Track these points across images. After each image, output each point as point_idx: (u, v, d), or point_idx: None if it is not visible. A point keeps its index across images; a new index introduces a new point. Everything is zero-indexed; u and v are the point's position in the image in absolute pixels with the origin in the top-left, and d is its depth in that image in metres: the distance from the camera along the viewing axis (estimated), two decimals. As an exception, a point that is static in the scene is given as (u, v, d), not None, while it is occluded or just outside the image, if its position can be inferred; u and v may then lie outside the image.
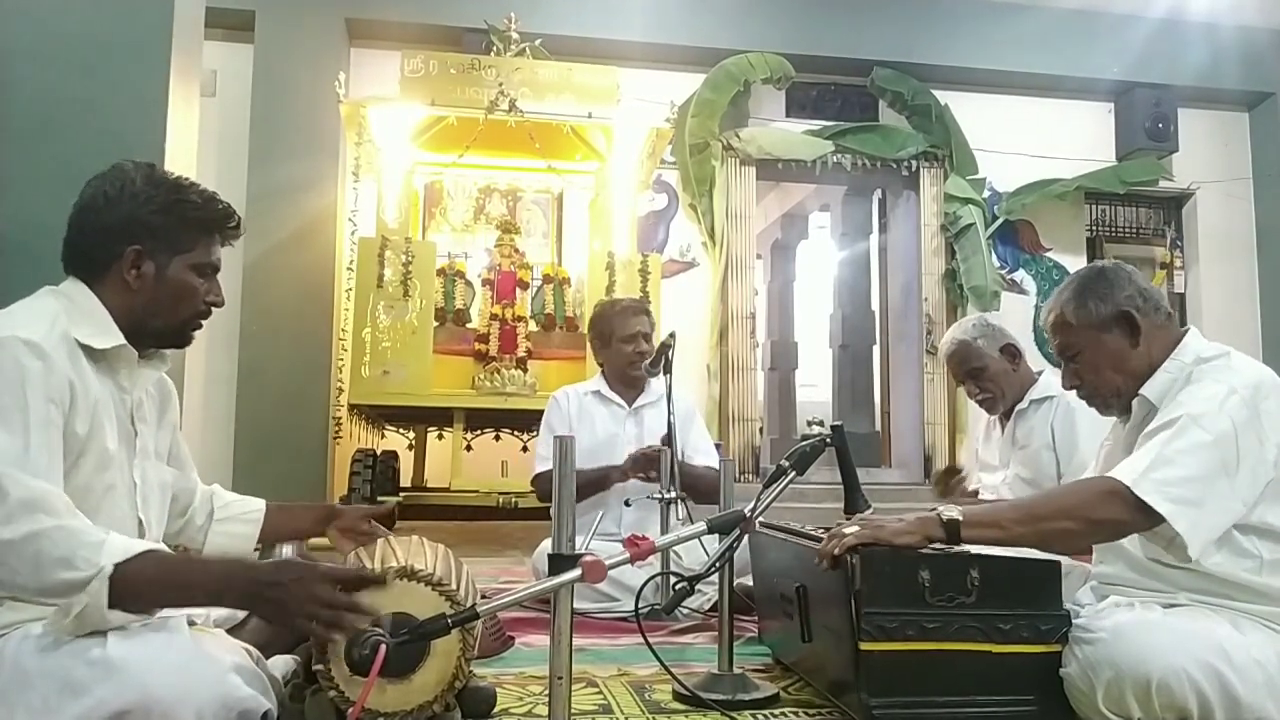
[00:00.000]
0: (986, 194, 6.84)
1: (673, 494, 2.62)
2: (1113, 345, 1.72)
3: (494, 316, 4.99)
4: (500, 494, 4.77)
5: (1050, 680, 1.55)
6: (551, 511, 1.49)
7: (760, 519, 1.62)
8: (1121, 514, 1.54)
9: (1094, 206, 7.29)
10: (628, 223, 5.40)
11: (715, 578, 1.85)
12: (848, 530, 1.60)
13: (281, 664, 1.53)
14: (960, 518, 1.58)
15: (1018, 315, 6.58)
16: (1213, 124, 7.27)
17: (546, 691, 1.61)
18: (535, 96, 5.18)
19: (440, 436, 5.40)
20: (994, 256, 6.82)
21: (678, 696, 1.82)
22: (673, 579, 2.32)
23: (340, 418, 5.10)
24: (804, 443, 1.66)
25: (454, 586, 1.46)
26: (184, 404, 2.70)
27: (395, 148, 5.17)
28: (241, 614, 1.58)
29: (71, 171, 1.54)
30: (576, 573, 1.34)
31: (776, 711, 1.76)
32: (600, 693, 1.87)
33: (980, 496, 2.93)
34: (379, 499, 4.83)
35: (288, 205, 5.75)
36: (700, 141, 6.40)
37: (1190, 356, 1.68)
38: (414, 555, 1.51)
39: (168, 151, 2.75)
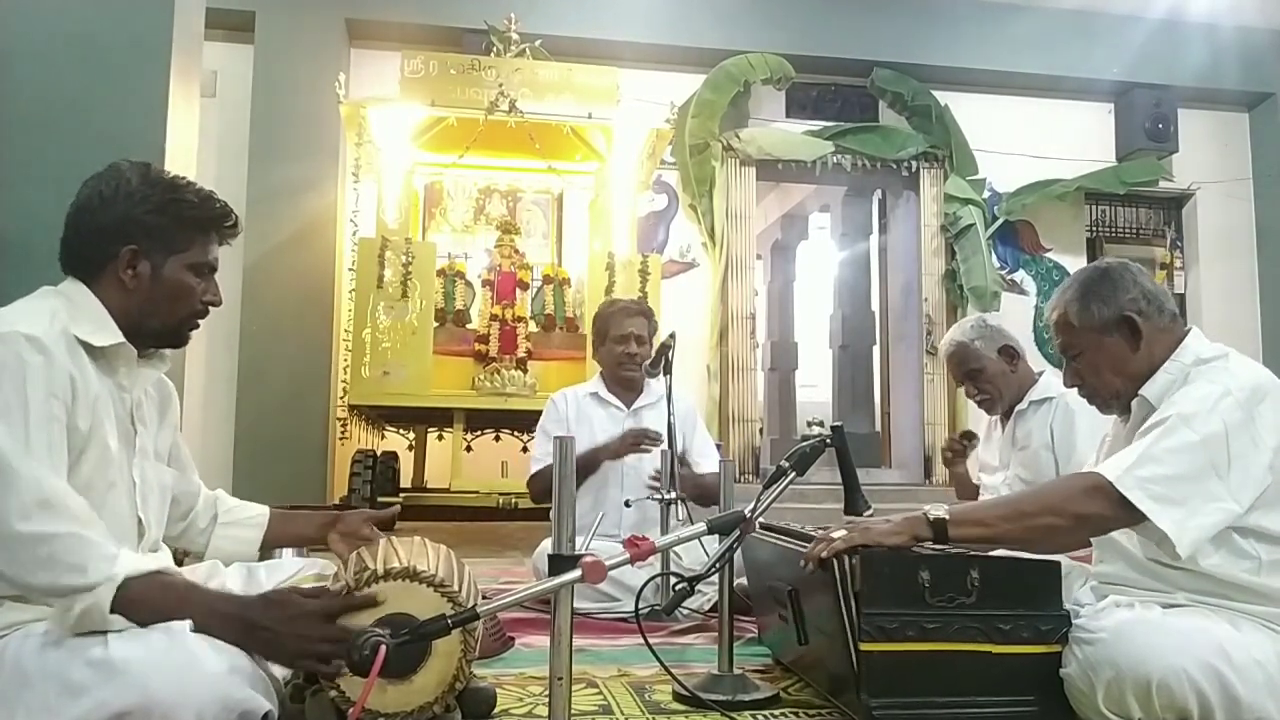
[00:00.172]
0: (986, 194, 6.85)
1: (673, 494, 2.62)
2: (1113, 348, 1.71)
3: (494, 317, 4.99)
4: (500, 494, 4.78)
5: (1050, 680, 1.55)
6: (551, 512, 1.49)
7: (760, 519, 1.62)
8: (1104, 509, 1.54)
9: (1094, 207, 7.30)
10: (628, 223, 5.41)
11: (715, 578, 1.85)
12: (836, 534, 1.60)
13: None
14: (947, 516, 1.59)
15: (1018, 316, 6.59)
16: (1213, 124, 7.28)
17: (546, 692, 1.61)
18: (535, 97, 5.19)
19: (440, 437, 5.40)
20: (994, 257, 6.82)
21: (678, 697, 1.82)
22: (673, 579, 2.32)
23: (345, 419, 5.10)
24: (804, 443, 1.66)
25: (456, 587, 1.46)
26: (184, 404, 2.69)
27: (395, 148, 5.17)
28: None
29: (71, 171, 1.54)
30: (576, 573, 1.34)
31: (776, 712, 1.75)
32: (600, 693, 1.86)
33: (981, 496, 2.93)
34: (379, 500, 4.84)
35: (288, 206, 5.76)
36: (700, 142, 6.41)
37: (1190, 357, 1.68)
38: (416, 556, 1.51)
39: (168, 152, 2.75)
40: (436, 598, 1.44)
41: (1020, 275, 7.03)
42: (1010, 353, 2.86)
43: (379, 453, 5.20)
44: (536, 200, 6.14)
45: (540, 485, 3.04)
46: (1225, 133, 7.32)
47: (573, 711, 1.51)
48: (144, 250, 1.48)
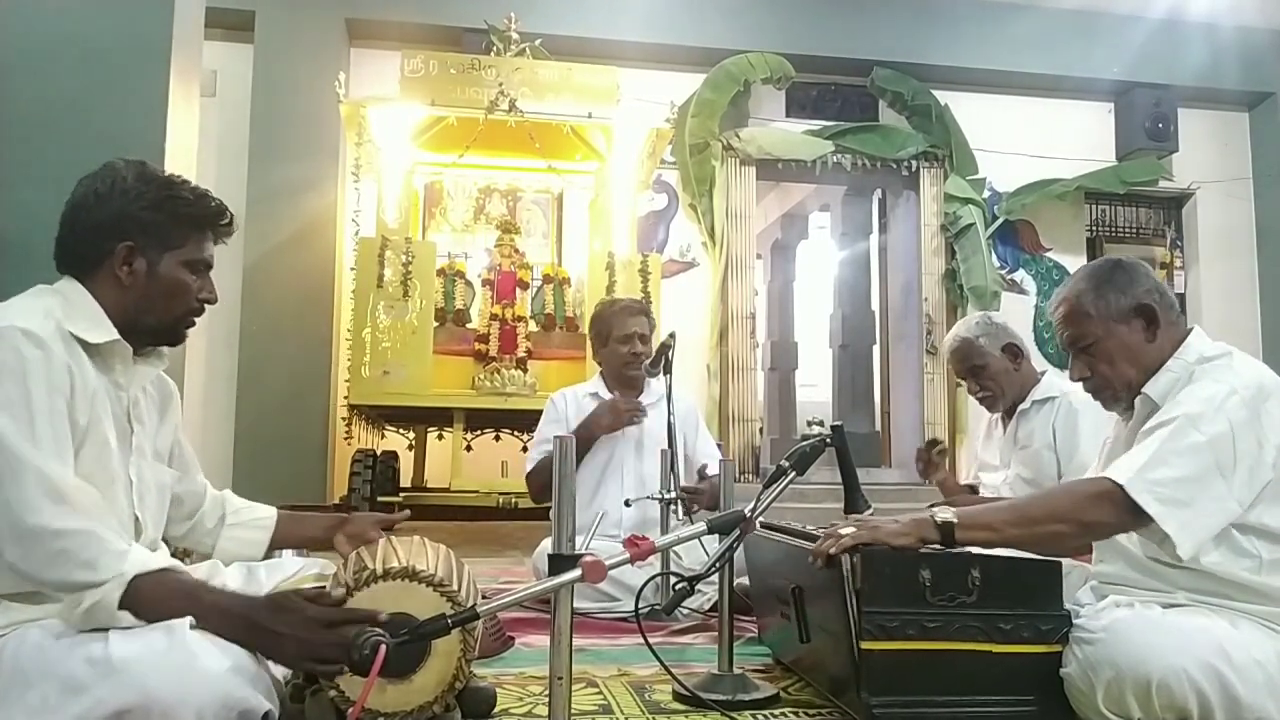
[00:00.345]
0: (986, 194, 6.85)
1: (673, 494, 2.62)
2: (1129, 338, 1.71)
3: (494, 316, 4.99)
4: (500, 494, 4.78)
5: (1050, 680, 1.55)
6: (551, 512, 1.49)
7: (760, 519, 1.62)
8: (1112, 515, 1.54)
9: (1094, 206, 7.29)
10: (628, 223, 5.41)
11: (715, 578, 1.85)
12: (844, 531, 1.60)
13: (282, 664, 1.53)
14: (955, 519, 1.58)
15: (1018, 315, 6.58)
16: (1213, 124, 7.27)
17: (546, 691, 1.61)
18: (535, 96, 5.19)
19: (440, 437, 5.40)
20: (994, 256, 6.82)
21: (678, 697, 1.82)
22: (673, 579, 2.32)
23: (348, 418, 5.10)
24: (804, 443, 1.66)
25: (455, 587, 1.46)
26: (184, 404, 2.69)
27: (395, 148, 5.17)
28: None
29: (72, 171, 1.54)
30: (576, 573, 1.34)
31: (776, 712, 1.75)
32: (600, 693, 1.86)
33: (981, 495, 2.93)
34: (379, 499, 4.84)
35: (288, 205, 5.76)
36: (700, 141, 6.40)
37: (1193, 356, 1.67)
38: (415, 556, 1.51)
39: (168, 152, 2.75)
40: (436, 597, 1.44)
41: (1020, 275, 7.02)
42: (1014, 351, 2.86)
43: (379, 452, 5.19)
44: (536, 200, 6.14)
45: (539, 481, 3.03)
46: (1225, 132, 7.32)
47: (573, 711, 1.51)
48: (140, 247, 1.48)
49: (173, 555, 1.68)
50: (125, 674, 1.22)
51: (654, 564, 2.58)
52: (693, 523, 2.29)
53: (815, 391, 8.34)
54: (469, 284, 5.28)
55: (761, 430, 7.05)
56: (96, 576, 1.26)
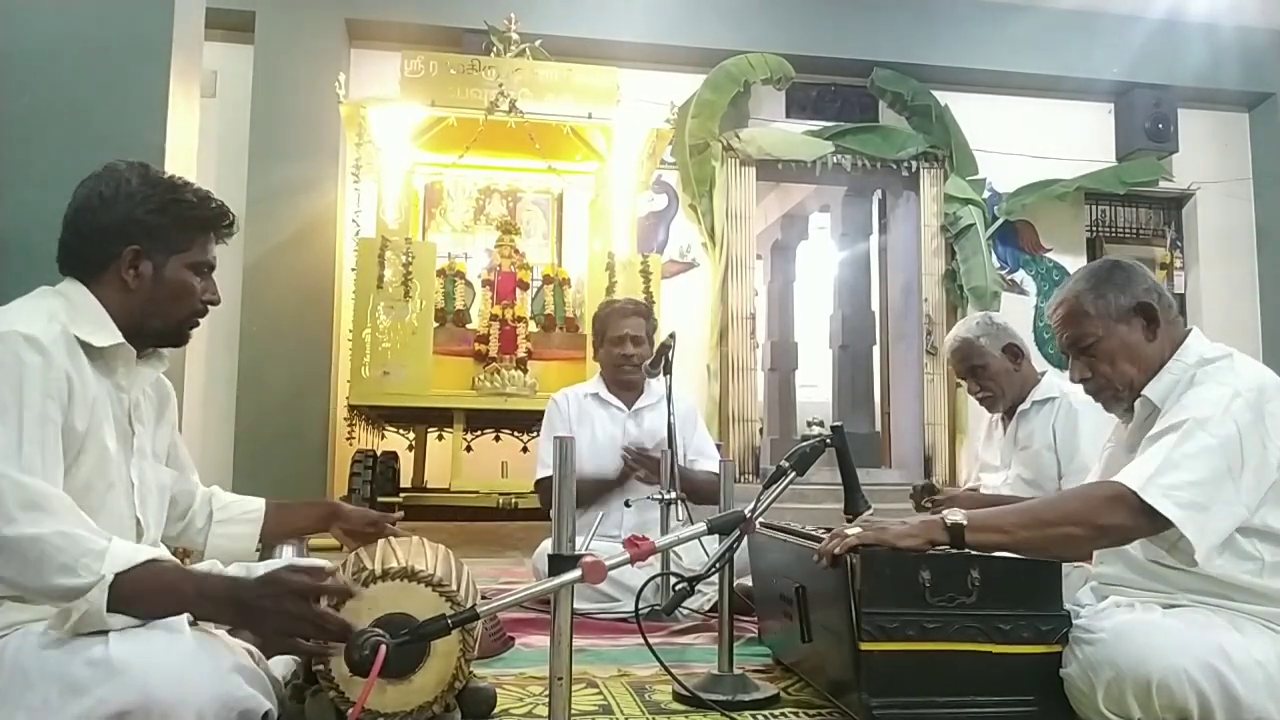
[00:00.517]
0: (986, 194, 6.85)
1: (673, 494, 2.62)
2: (1129, 337, 1.71)
3: (494, 317, 4.99)
4: (500, 495, 4.77)
5: (1050, 680, 1.55)
6: (551, 512, 1.49)
7: (760, 519, 1.62)
8: (1127, 519, 1.53)
9: (1094, 207, 7.29)
10: (628, 223, 5.40)
11: (715, 578, 1.85)
12: (850, 531, 1.60)
13: (281, 664, 1.53)
14: (964, 522, 1.58)
15: (1018, 315, 6.58)
16: (1213, 124, 7.27)
17: (546, 692, 1.61)
18: (535, 97, 5.19)
19: (440, 437, 5.40)
20: (994, 257, 6.82)
21: (678, 697, 1.82)
22: (673, 579, 2.32)
23: (348, 419, 5.10)
24: (804, 443, 1.66)
25: (454, 587, 1.46)
26: (184, 404, 2.70)
27: (395, 148, 5.17)
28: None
29: (72, 172, 1.54)
30: (576, 573, 1.34)
31: (776, 712, 1.75)
32: (600, 693, 1.86)
33: (982, 494, 2.93)
34: (379, 500, 4.84)
35: (288, 206, 5.76)
36: (700, 142, 6.40)
37: (1193, 357, 1.67)
38: (414, 556, 1.51)
39: (168, 152, 2.74)
40: (435, 598, 1.44)
41: (1020, 275, 7.02)
42: (1014, 351, 2.86)
43: (379, 453, 5.19)
44: (536, 200, 6.14)
45: (548, 491, 3.03)
46: (1225, 133, 7.32)
47: (573, 711, 1.51)
48: (146, 250, 1.48)
49: (171, 554, 1.69)
50: (125, 674, 1.22)
51: (654, 564, 2.58)
52: (692, 523, 2.29)
53: (815, 392, 8.34)
54: (469, 284, 5.28)
55: (761, 430, 7.05)
56: (76, 580, 1.24)
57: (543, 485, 3.06)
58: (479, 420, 5.18)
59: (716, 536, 1.57)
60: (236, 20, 5.73)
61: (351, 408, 5.00)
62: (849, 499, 1.70)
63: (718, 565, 1.63)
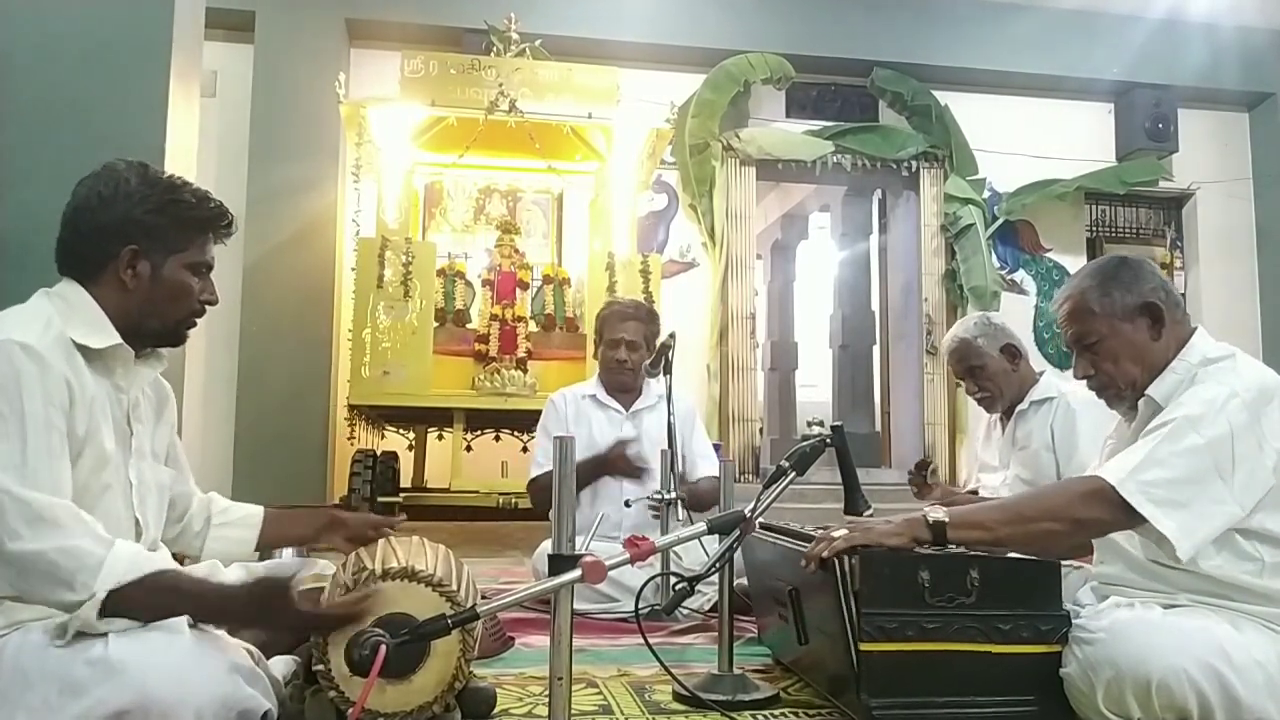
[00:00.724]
0: (986, 194, 6.85)
1: (673, 494, 2.62)
2: (1134, 336, 1.70)
3: (494, 317, 4.99)
4: (500, 494, 4.77)
5: (1050, 680, 1.55)
6: (551, 512, 1.49)
7: (760, 519, 1.62)
8: (1104, 513, 1.54)
9: (1094, 207, 7.29)
10: (628, 223, 5.40)
11: (715, 578, 1.85)
12: (836, 533, 1.60)
13: (281, 664, 1.53)
14: (946, 519, 1.58)
15: (1018, 315, 6.58)
16: (1213, 124, 7.27)
17: (546, 692, 1.61)
18: (535, 97, 5.18)
19: (440, 437, 5.40)
20: (994, 257, 6.82)
21: (678, 697, 1.82)
22: (673, 579, 2.32)
23: (348, 419, 5.10)
24: (804, 443, 1.66)
25: (454, 587, 1.46)
26: (184, 404, 2.70)
27: (395, 148, 5.17)
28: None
29: (72, 171, 1.54)
30: (576, 573, 1.34)
31: (776, 712, 1.75)
32: (600, 693, 1.86)
33: (980, 496, 2.93)
34: (379, 499, 4.84)
35: (288, 206, 5.76)
36: (700, 142, 6.40)
37: (1197, 357, 1.67)
38: (414, 556, 1.51)
39: (168, 152, 2.75)
40: (435, 597, 1.44)
41: (1020, 275, 7.02)
42: (1012, 351, 2.86)
43: (379, 452, 5.19)
44: (536, 200, 6.14)
45: (539, 489, 3.03)
46: (1225, 133, 7.32)
47: (573, 711, 1.51)
48: (144, 250, 1.48)
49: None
50: (125, 674, 1.22)
51: (654, 564, 2.58)
52: (692, 523, 2.29)
53: (815, 391, 8.34)
54: (469, 284, 5.28)
55: (761, 430, 7.05)
56: (70, 596, 1.27)
57: (534, 484, 3.06)
58: (479, 420, 5.18)
59: (716, 536, 1.57)
60: (236, 20, 5.73)
61: (351, 407, 5.00)
62: (849, 499, 1.70)
63: (718, 565, 1.63)
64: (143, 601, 1.29)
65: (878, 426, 7.24)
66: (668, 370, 2.75)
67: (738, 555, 1.76)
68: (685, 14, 6.40)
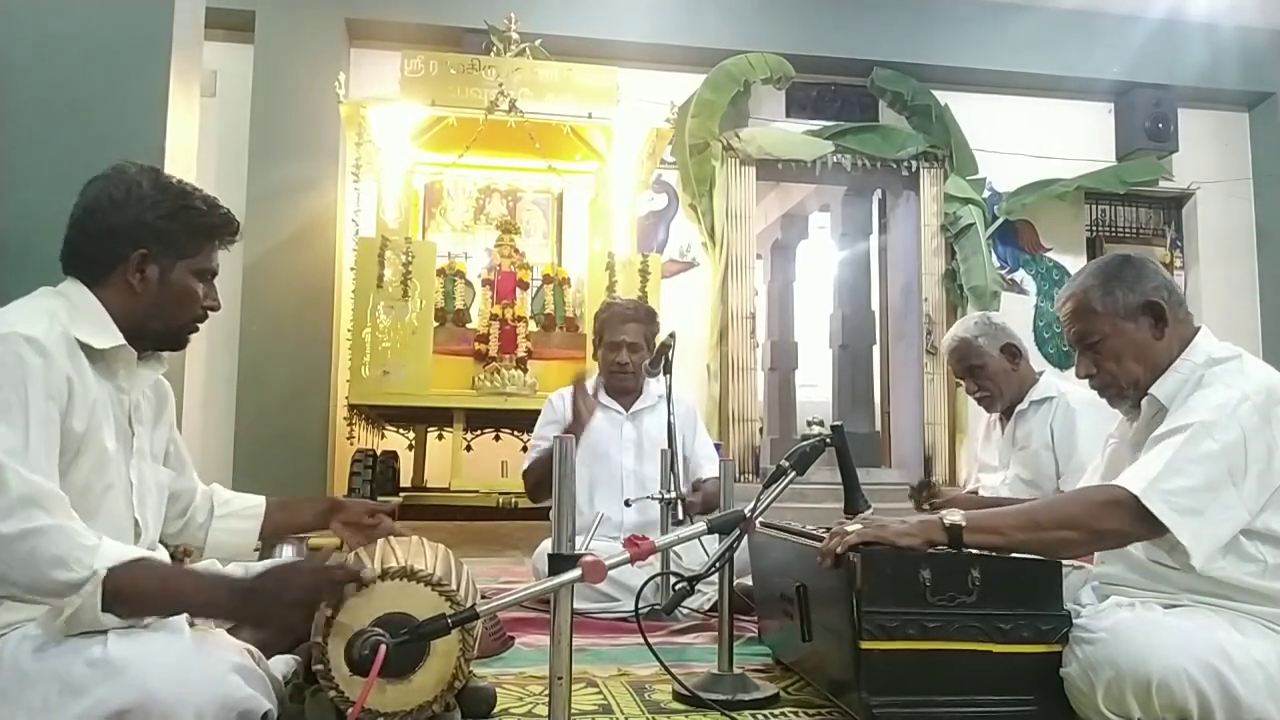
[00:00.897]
0: (986, 194, 6.84)
1: (673, 494, 2.62)
2: (1137, 335, 1.70)
3: (494, 317, 4.99)
4: (500, 494, 4.77)
5: (1050, 680, 1.55)
6: (551, 512, 1.49)
7: (760, 519, 1.62)
8: (1125, 524, 1.53)
9: (1094, 206, 7.29)
10: (628, 223, 5.40)
11: (715, 578, 1.85)
12: (850, 528, 1.60)
13: (281, 664, 1.53)
14: (963, 523, 1.58)
15: (1018, 315, 6.57)
16: (1213, 124, 7.27)
17: (546, 691, 1.61)
18: (535, 97, 5.18)
19: (440, 437, 5.40)
20: (994, 256, 6.82)
21: (678, 696, 1.82)
22: (673, 579, 2.32)
23: (348, 418, 5.11)
24: (804, 443, 1.66)
25: (454, 587, 1.46)
26: (184, 404, 2.70)
27: (395, 148, 5.16)
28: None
29: (72, 172, 1.55)
30: (576, 573, 1.34)
31: (776, 711, 1.75)
32: (600, 693, 1.87)
33: (980, 496, 2.93)
34: (379, 499, 4.83)
35: (288, 205, 5.75)
36: (700, 142, 6.40)
37: (1202, 357, 1.66)
38: (414, 555, 1.51)
39: (168, 152, 2.74)
40: (435, 597, 1.44)
41: (1020, 275, 7.02)
42: (1012, 351, 2.86)
43: (379, 452, 5.19)
44: (536, 200, 6.14)
45: (534, 478, 3.03)
46: (1225, 133, 7.32)
47: (573, 711, 1.51)
48: (153, 254, 1.49)
49: (170, 553, 1.69)
50: (125, 674, 1.22)
51: (654, 564, 2.58)
52: (691, 524, 2.29)
53: (815, 391, 8.34)
54: (469, 284, 5.28)
55: (761, 430, 7.05)
56: (67, 575, 1.24)
57: (528, 471, 3.07)
58: (479, 420, 5.18)
59: (716, 536, 1.57)
60: (236, 20, 5.73)
61: (351, 407, 5.00)
62: (849, 498, 1.70)
63: (718, 565, 1.63)
64: (145, 585, 1.29)
65: (878, 426, 7.24)
66: (668, 370, 2.75)
67: (739, 555, 1.75)
68: (685, 14, 6.40)
